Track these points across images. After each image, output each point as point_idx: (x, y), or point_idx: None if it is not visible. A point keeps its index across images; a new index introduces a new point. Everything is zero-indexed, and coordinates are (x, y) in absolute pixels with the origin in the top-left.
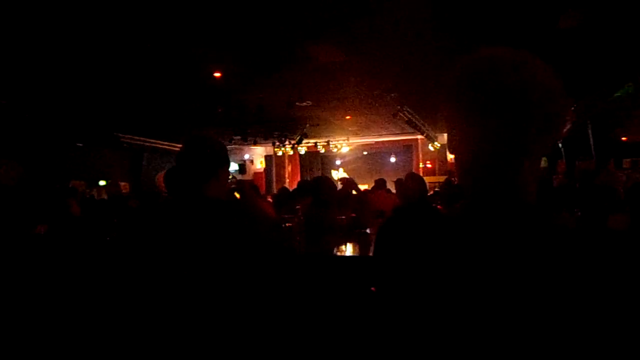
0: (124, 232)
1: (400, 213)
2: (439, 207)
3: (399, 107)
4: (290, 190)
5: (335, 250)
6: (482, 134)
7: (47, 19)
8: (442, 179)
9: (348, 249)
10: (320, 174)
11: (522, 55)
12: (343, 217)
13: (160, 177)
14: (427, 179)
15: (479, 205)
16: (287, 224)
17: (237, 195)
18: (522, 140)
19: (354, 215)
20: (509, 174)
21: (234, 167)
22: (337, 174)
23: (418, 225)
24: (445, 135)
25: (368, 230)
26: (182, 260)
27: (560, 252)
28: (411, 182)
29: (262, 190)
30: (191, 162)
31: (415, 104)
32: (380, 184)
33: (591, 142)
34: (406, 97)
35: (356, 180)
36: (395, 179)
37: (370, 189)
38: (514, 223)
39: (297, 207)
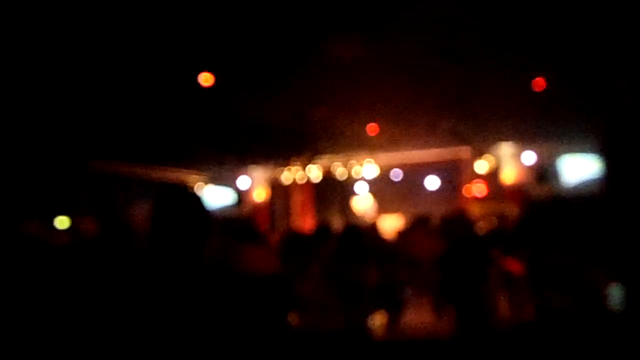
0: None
1: None
2: (495, 251)
3: (437, 112)
4: (302, 234)
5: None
6: None
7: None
8: (496, 207)
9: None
10: (339, 203)
11: None
12: (371, 273)
13: (136, 211)
14: (476, 208)
15: None
16: (298, 287)
17: None
18: None
19: (374, 268)
20: None
21: (228, 196)
22: (361, 203)
23: None
24: (504, 147)
25: (409, 292)
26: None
27: None
28: (458, 225)
29: (265, 227)
30: (188, 228)
31: (459, 108)
32: (419, 222)
33: None
34: (447, 98)
35: (383, 210)
36: (432, 208)
37: (405, 228)
38: None
39: (313, 266)
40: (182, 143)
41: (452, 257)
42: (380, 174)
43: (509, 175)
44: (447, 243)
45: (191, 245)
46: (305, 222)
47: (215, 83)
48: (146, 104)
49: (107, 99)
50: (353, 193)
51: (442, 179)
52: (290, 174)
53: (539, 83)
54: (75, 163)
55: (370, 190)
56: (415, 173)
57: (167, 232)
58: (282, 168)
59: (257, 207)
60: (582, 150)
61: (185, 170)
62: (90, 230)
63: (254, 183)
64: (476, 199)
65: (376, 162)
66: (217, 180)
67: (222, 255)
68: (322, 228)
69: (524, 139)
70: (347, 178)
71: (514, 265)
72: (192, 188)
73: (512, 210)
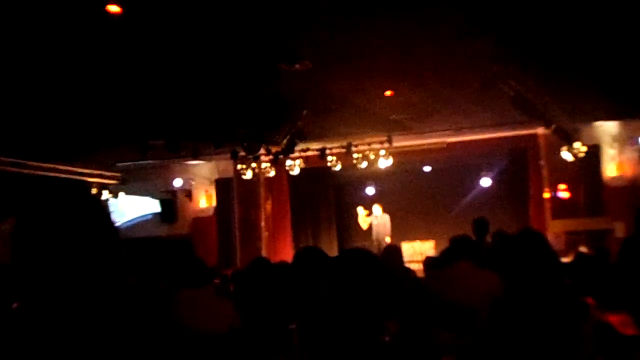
0: None
1: None
2: (589, 298)
3: (495, 68)
4: (274, 265)
5: None
6: None
7: None
8: (592, 223)
9: None
10: (335, 216)
11: None
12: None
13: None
14: (560, 224)
15: None
16: (269, 352)
17: None
18: None
19: (392, 321)
20: None
21: (152, 205)
22: (368, 214)
23: None
24: (601, 125)
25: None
26: None
27: None
28: (528, 253)
29: (213, 257)
30: (75, 252)
31: (532, 63)
32: (463, 245)
33: None
34: (513, 48)
35: (404, 228)
36: (485, 222)
37: (442, 256)
38: None
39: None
40: (79, 125)
41: (518, 305)
42: (402, 169)
43: (613, 173)
44: (511, 282)
45: (81, 285)
46: (279, 246)
47: (131, 26)
48: (36, 52)
49: None
50: (358, 199)
51: (500, 177)
52: (254, 169)
53: None
54: None
55: (386, 195)
56: (458, 168)
57: (41, 259)
58: (240, 159)
59: (199, 224)
60: None
61: (85, 168)
62: None
63: (195, 183)
64: (559, 210)
65: (394, 149)
66: (135, 181)
67: (145, 305)
68: (307, 255)
69: (634, 116)
70: (349, 176)
71: (620, 321)
72: (88, 189)
73: (617, 229)
